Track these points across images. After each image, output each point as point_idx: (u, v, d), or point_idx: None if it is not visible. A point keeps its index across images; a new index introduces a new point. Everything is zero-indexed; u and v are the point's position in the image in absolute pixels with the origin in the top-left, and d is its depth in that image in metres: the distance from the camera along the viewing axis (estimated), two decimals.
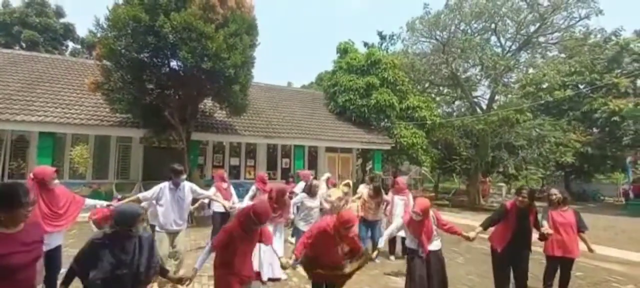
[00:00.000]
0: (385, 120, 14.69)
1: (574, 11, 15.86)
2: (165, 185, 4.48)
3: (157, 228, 4.19)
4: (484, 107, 17.62)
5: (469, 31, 17.12)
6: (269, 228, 4.25)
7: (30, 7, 22.00)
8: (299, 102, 15.98)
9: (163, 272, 2.43)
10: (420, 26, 17.88)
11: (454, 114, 20.65)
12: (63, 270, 2.42)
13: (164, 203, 4.16)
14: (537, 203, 4.03)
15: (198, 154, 11.49)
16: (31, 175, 3.40)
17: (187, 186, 4.85)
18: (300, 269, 5.26)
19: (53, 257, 3.38)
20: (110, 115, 9.65)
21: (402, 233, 5.36)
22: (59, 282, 3.08)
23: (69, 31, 24.11)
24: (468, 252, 6.76)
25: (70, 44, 24.86)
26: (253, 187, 6.21)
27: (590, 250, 4.09)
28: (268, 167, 13.22)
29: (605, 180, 23.31)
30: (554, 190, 4.37)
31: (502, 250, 3.82)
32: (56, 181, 3.47)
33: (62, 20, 23.79)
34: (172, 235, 4.24)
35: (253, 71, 9.64)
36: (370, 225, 5.71)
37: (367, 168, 16.10)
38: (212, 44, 7.65)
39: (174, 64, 8.56)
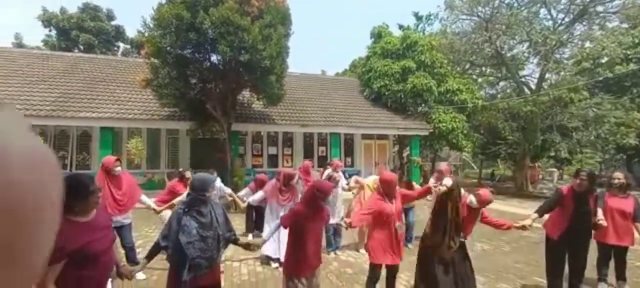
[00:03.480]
0: (423, 105, 14.22)
1: None
2: None
3: None
4: (533, 87, 16.31)
5: (515, 4, 15.79)
6: (280, 212, 4.43)
7: (85, 12, 23.97)
8: (334, 90, 15.97)
9: (234, 240, 2.71)
10: (460, 3, 16.79)
11: (498, 95, 19.37)
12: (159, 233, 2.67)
13: None
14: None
15: (239, 144, 12.00)
16: (101, 164, 4.02)
17: (217, 185, 5.15)
18: (340, 256, 5.42)
19: (123, 234, 4.05)
20: (160, 109, 10.38)
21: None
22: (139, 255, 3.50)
23: (119, 33, 26.00)
24: (515, 240, 6.47)
25: (121, 45, 26.82)
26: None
27: None
28: (305, 156, 13.47)
29: None
30: (617, 174, 4.04)
31: (559, 238, 3.57)
32: (118, 168, 3.96)
33: (113, 23, 25.67)
34: None
35: (288, 61, 9.84)
36: (404, 211, 5.74)
37: (404, 155, 15.80)
38: (248, 36, 7.90)
39: (214, 58, 8.99)
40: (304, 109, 13.23)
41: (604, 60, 16.18)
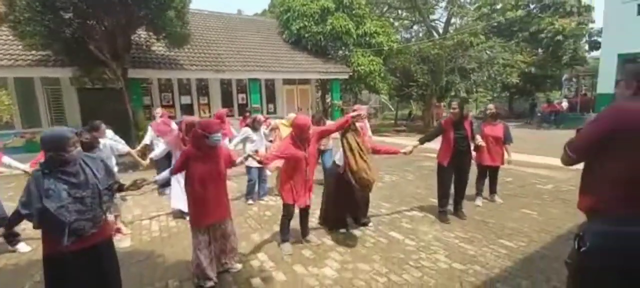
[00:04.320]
0: (343, 48, 14.23)
1: None
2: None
3: None
4: (441, 31, 17.64)
5: None
6: None
7: None
8: (251, 32, 14.84)
9: (119, 187, 2.41)
10: None
11: (412, 39, 20.53)
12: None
13: None
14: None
15: (142, 94, 10.56)
16: None
17: (108, 142, 4.47)
18: (259, 202, 5.34)
19: None
20: (26, 53, 8.32)
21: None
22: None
23: None
24: (418, 170, 7.22)
25: None
26: None
27: (509, 160, 4.69)
28: (223, 104, 12.60)
29: (543, 99, 25.44)
30: (490, 105, 4.78)
31: (448, 164, 4.06)
32: None
33: None
34: None
35: None
36: (321, 153, 5.80)
37: (327, 100, 16.01)
38: None
39: None
40: (218, 53, 12.08)
41: (498, 6, 18.09)
